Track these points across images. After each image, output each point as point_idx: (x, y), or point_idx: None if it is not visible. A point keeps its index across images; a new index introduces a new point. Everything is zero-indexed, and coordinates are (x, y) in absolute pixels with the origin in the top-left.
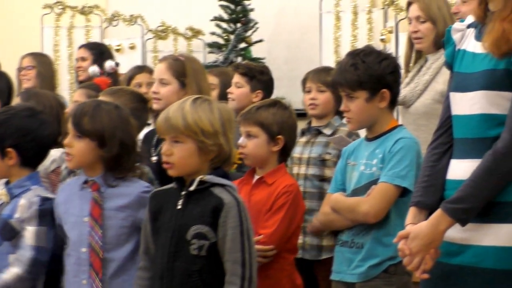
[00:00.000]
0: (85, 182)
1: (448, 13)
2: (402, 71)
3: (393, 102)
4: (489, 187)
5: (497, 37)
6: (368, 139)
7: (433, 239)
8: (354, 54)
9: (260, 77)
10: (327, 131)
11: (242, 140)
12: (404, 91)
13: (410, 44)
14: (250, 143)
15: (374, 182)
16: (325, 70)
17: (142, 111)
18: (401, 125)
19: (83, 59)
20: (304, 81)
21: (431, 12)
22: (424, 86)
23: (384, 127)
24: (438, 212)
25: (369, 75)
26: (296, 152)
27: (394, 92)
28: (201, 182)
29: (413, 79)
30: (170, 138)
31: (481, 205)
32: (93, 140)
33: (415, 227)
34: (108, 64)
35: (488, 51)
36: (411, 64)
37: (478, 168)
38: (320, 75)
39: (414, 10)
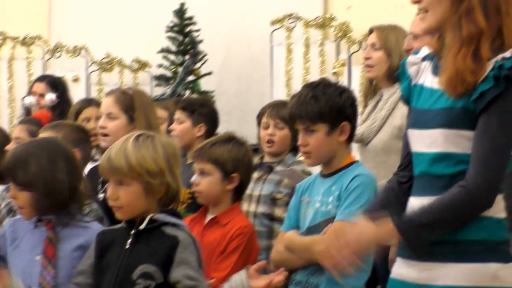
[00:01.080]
0: (39, 220)
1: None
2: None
3: (351, 136)
4: (448, 220)
5: (451, 77)
6: (324, 175)
7: (368, 246)
8: (313, 86)
9: (201, 110)
10: (280, 168)
11: (195, 177)
12: (361, 128)
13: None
14: (204, 181)
15: (330, 220)
16: (284, 104)
17: (85, 142)
18: (357, 161)
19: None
20: (260, 116)
21: (388, 42)
22: (382, 122)
23: (341, 162)
24: (388, 225)
25: (330, 107)
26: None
27: (353, 125)
28: (151, 221)
29: (370, 115)
30: (115, 180)
31: (434, 235)
32: (33, 190)
33: (360, 224)
34: (48, 97)
35: (444, 91)
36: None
37: (441, 200)
38: (278, 111)
39: (372, 37)
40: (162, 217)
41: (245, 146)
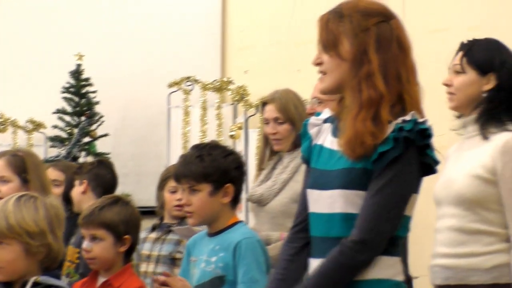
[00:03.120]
0: None
1: (304, 111)
2: (254, 169)
3: (236, 199)
4: (334, 279)
5: (351, 138)
6: (209, 234)
7: None
8: (200, 147)
9: (86, 168)
10: (179, 233)
11: (86, 244)
12: (260, 189)
13: (265, 142)
14: (97, 247)
15: (215, 280)
16: None
17: None
18: (241, 221)
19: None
20: (166, 180)
21: (289, 112)
22: (282, 185)
23: (225, 223)
24: None
25: (215, 168)
26: (145, 249)
27: (237, 188)
28: (35, 284)
29: (268, 176)
30: None
31: None
32: None
33: None
34: None
35: (343, 153)
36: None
37: (326, 261)
38: None
39: (272, 111)
40: (45, 279)
41: (131, 205)
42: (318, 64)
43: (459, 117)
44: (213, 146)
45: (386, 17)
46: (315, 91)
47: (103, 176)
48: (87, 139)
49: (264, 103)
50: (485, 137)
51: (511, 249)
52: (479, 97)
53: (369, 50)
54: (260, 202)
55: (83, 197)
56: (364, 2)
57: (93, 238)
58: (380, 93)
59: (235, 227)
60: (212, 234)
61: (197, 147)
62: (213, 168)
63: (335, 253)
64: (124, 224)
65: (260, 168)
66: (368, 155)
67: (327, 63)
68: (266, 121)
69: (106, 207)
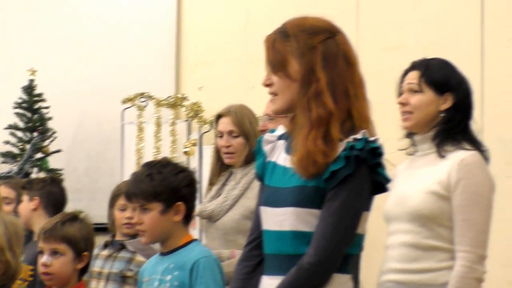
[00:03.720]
0: None
1: (257, 128)
2: (205, 184)
3: (188, 216)
4: None
5: (302, 158)
6: (162, 253)
7: None
8: (150, 165)
9: (37, 185)
10: (132, 246)
11: (46, 258)
12: (211, 204)
13: (217, 157)
14: (57, 262)
15: None
16: None
17: None
18: (196, 239)
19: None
20: (116, 197)
21: (244, 127)
22: (234, 201)
23: (178, 241)
24: None
25: (165, 186)
26: (97, 266)
27: (189, 206)
28: None
29: (219, 192)
30: None
31: None
32: None
33: None
34: None
35: (295, 171)
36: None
37: (283, 282)
38: None
39: (227, 123)
40: None
41: (88, 223)
42: (268, 85)
43: (408, 136)
44: (164, 164)
45: (331, 33)
46: (267, 108)
47: (55, 194)
48: (39, 155)
49: (218, 116)
50: (441, 155)
51: (454, 267)
52: (436, 116)
53: (317, 68)
54: (211, 218)
55: (33, 214)
56: (309, 20)
57: (54, 253)
58: (329, 111)
59: (190, 246)
60: (165, 253)
61: (147, 165)
62: (163, 187)
63: (292, 275)
64: (84, 240)
65: (211, 183)
66: (320, 173)
67: (277, 84)
68: (219, 134)
69: (67, 223)
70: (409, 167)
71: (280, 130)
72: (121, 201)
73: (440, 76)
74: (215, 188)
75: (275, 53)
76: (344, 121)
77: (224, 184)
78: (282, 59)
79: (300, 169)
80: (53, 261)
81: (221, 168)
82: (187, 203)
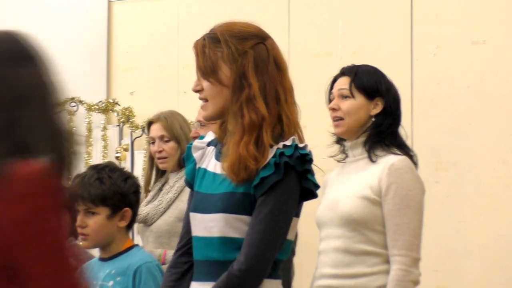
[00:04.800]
0: None
1: (189, 132)
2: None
3: (131, 223)
4: None
5: (234, 163)
6: (103, 259)
7: None
8: (99, 168)
9: None
10: None
11: None
12: (146, 208)
13: (151, 164)
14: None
15: None
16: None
17: None
18: (137, 245)
19: None
20: None
21: (175, 131)
22: (168, 204)
23: (120, 246)
24: None
25: (114, 191)
26: None
27: (134, 212)
28: None
29: (155, 197)
30: None
31: None
32: None
33: None
34: None
35: (226, 176)
36: (151, 184)
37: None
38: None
39: (157, 129)
40: None
41: None
42: (198, 91)
43: (338, 142)
44: (112, 169)
45: (261, 38)
46: (198, 115)
47: None
48: None
49: (150, 123)
50: (372, 160)
51: (390, 271)
52: (367, 121)
53: (248, 73)
54: (146, 222)
55: None
56: (238, 25)
57: None
58: (262, 116)
59: (132, 251)
60: (106, 259)
61: (95, 169)
62: (112, 192)
63: (223, 281)
64: None
65: (146, 190)
66: (251, 179)
67: (207, 89)
68: (152, 141)
69: None
70: (340, 173)
71: (209, 136)
72: None
73: (370, 82)
74: (151, 194)
75: (206, 59)
76: (274, 126)
77: (160, 189)
78: (213, 64)
79: (231, 174)
80: None
81: (157, 174)
82: (132, 209)
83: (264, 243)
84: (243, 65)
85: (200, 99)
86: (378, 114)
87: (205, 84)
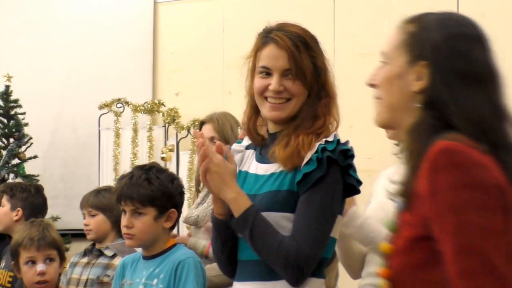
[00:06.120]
0: None
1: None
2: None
3: (175, 224)
4: (269, 252)
5: (292, 152)
6: (146, 257)
7: (223, 180)
8: (146, 169)
9: (20, 195)
10: (109, 252)
11: (42, 266)
12: (197, 211)
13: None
14: (50, 268)
15: None
16: (95, 192)
17: None
18: (179, 243)
19: None
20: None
21: (225, 133)
22: None
23: (163, 246)
24: (246, 200)
25: (162, 192)
26: (75, 273)
27: (179, 213)
28: None
29: (204, 199)
30: None
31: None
32: None
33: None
34: None
35: (279, 165)
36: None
37: (277, 237)
38: (89, 199)
39: (208, 130)
40: None
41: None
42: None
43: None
44: (159, 170)
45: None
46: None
47: (39, 206)
48: (15, 161)
49: (202, 123)
50: None
51: None
52: None
53: (325, 78)
54: (197, 224)
55: (15, 224)
56: (306, 30)
57: (48, 260)
58: (334, 119)
59: (175, 249)
60: (149, 257)
61: (142, 169)
62: (161, 192)
63: (285, 244)
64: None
65: (197, 190)
66: (299, 165)
67: (292, 89)
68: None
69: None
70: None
71: (247, 140)
72: (82, 210)
73: None
74: (201, 196)
75: (298, 61)
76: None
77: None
78: (305, 68)
79: (286, 161)
80: (47, 269)
81: None
82: (178, 210)
83: (311, 240)
84: (324, 70)
85: (280, 98)
86: None
87: (288, 83)
